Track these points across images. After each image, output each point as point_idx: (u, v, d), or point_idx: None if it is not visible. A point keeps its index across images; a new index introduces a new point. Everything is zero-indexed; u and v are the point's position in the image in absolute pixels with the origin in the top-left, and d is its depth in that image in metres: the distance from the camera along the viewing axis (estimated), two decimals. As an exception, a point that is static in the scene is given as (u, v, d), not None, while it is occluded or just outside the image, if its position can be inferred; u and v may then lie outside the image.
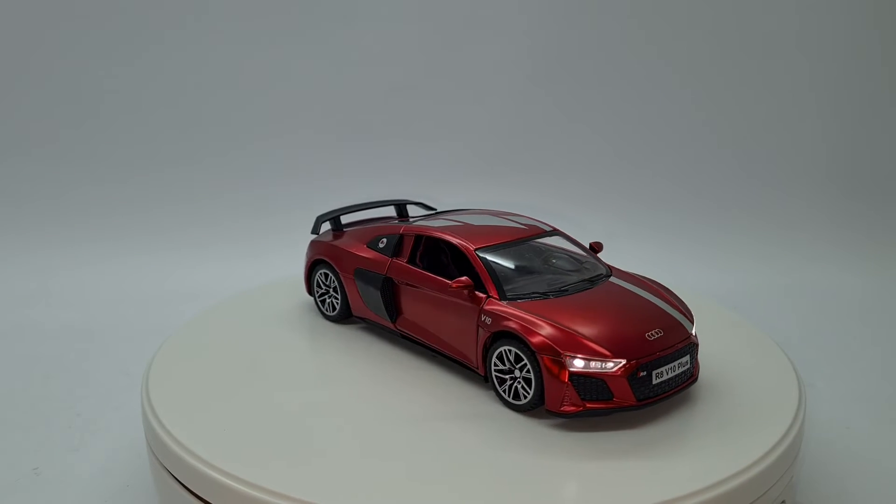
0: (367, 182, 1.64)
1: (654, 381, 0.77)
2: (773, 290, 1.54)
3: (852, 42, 1.64)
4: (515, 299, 0.81)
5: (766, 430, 0.77)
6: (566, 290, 0.84)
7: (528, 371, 0.77)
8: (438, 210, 1.04)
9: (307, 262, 1.03)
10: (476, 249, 0.85)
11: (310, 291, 1.04)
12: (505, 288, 0.82)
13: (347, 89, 1.63)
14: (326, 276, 1.00)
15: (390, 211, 1.08)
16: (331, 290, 1.00)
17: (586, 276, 0.88)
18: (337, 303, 0.99)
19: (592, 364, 0.75)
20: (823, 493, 0.94)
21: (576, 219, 1.54)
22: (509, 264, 0.86)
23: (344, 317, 0.99)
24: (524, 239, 0.90)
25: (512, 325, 0.78)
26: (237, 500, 0.69)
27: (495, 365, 0.80)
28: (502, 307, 0.80)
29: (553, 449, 0.75)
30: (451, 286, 0.83)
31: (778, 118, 1.67)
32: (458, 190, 1.61)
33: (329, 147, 1.65)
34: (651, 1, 1.62)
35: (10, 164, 1.60)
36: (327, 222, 1.04)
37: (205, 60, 1.60)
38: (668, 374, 0.78)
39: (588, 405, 0.75)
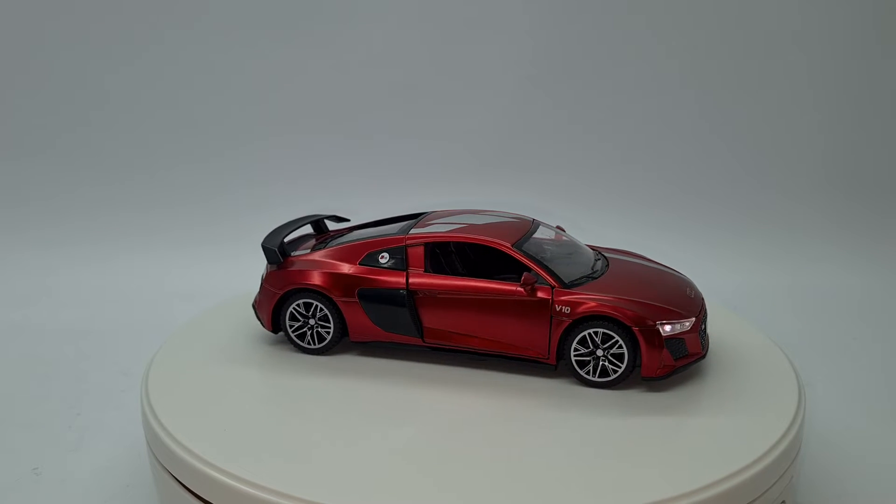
0: (367, 182, 1.64)
1: (707, 332, 0.88)
2: (774, 291, 1.54)
3: (853, 42, 1.64)
4: (573, 286, 0.85)
5: (766, 430, 0.77)
6: (598, 271, 0.89)
7: (619, 347, 0.82)
8: (358, 221, 1.02)
9: (274, 296, 0.91)
10: (513, 246, 0.87)
11: (273, 327, 0.93)
12: (562, 277, 0.85)
13: (347, 90, 1.63)
14: (308, 306, 0.90)
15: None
16: (313, 320, 0.91)
17: (593, 256, 0.93)
18: (327, 332, 0.91)
19: (676, 326, 0.83)
20: (823, 493, 0.94)
21: (576, 218, 1.53)
22: (540, 256, 0.88)
23: (331, 347, 0.91)
24: (530, 231, 0.92)
25: (598, 307, 0.82)
26: (237, 500, 0.69)
27: (575, 350, 0.83)
28: (574, 294, 0.84)
29: (547, 446, 0.75)
30: (519, 285, 0.84)
31: (778, 118, 1.67)
32: (457, 190, 1.61)
33: (329, 147, 1.65)
34: (651, 1, 1.62)
35: (10, 164, 1.60)
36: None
37: (205, 61, 1.60)
38: (708, 325, 0.90)
39: (676, 364, 0.83)
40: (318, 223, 1.02)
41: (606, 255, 0.95)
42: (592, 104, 1.66)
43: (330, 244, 0.94)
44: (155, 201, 1.63)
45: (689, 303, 0.87)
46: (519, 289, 0.84)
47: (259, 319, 0.94)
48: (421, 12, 1.61)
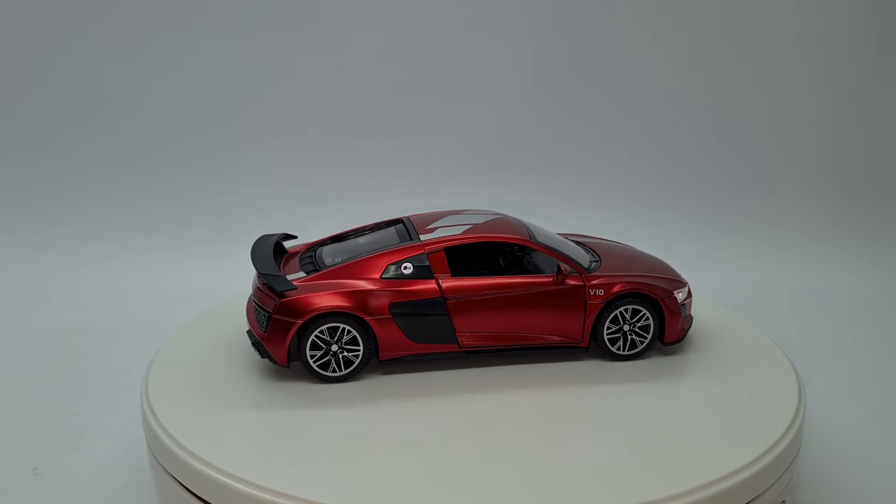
0: (367, 182, 1.64)
1: None
2: (773, 290, 1.54)
3: (852, 42, 1.64)
4: (592, 270, 0.91)
5: (766, 430, 0.77)
6: (594, 254, 0.96)
7: (645, 319, 0.89)
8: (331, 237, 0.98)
9: (293, 326, 0.84)
10: (531, 240, 0.90)
11: (286, 360, 0.86)
12: (582, 263, 0.91)
13: (347, 90, 1.63)
14: (334, 330, 0.84)
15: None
16: (336, 346, 0.85)
17: (574, 243, 0.98)
18: (355, 357, 0.85)
19: (683, 293, 0.93)
20: (823, 493, 0.94)
21: (575, 218, 1.53)
22: (556, 247, 0.92)
23: (359, 370, 0.86)
24: (528, 225, 0.95)
25: (630, 286, 0.89)
26: (237, 500, 0.69)
27: (608, 328, 0.89)
28: (601, 277, 0.89)
29: (546, 446, 0.75)
30: (557, 277, 0.87)
31: (777, 118, 1.67)
32: (456, 190, 1.61)
33: (329, 147, 1.65)
34: (652, 1, 1.62)
35: (10, 164, 1.60)
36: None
37: (205, 61, 1.60)
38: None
39: (685, 326, 0.93)
40: (278, 243, 0.95)
41: (575, 240, 1.01)
42: (592, 104, 1.66)
43: (323, 263, 0.89)
44: (155, 201, 1.63)
45: (676, 272, 0.96)
46: (555, 279, 0.87)
47: (267, 356, 0.86)
48: (420, 11, 1.61)
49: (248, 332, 0.90)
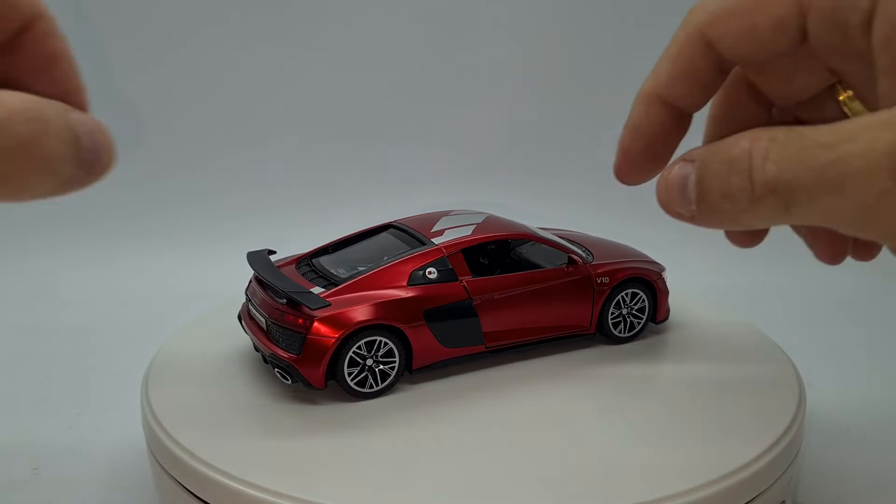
0: (367, 182, 1.64)
1: None
2: (773, 290, 1.54)
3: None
4: (592, 259, 0.95)
5: (766, 430, 0.77)
6: (581, 244, 0.99)
7: (641, 301, 0.95)
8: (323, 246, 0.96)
9: (331, 344, 0.79)
10: (536, 236, 0.93)
11: (323, 382, 0.81)
12: (584, 253, 0.95)
13: (347, 91, 1.63)
14: (372, 344, 0.81)
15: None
16: (373, 358, 0.82)
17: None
18: (392, 369, 0.83)
19: (666, 275, 0.98)
20: (823, 493, 0.94)
21: (576, 218, 1.53)
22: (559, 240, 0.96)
23: (395, 383, 0.84)
24: (522, 224, 0.97)
25: (631, 272, 0.94)
26: (237, 501, 0.69)
27: (612, 314, 0.93)
28: (603, 265, 0.94)
29: (545, 446, 0.75)
30: (569, 268, 0.91)
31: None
32: (456, 190, 1.61)
33: (329, 148, 1.65)
34: (652, 0, 1.62)
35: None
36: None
37: (206, 62, 1.60)
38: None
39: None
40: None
41: (561, 231, 1.05)
42: (591, 103, 1.66)
43: (335, 275, 0.86)
44: (155, 202, 1.63)
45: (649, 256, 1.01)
46: (566, 270, 0.90)
47: (300, 380, 0.81)
48: (421, 13, 1.61)
49: (269, 356, 0.83)
